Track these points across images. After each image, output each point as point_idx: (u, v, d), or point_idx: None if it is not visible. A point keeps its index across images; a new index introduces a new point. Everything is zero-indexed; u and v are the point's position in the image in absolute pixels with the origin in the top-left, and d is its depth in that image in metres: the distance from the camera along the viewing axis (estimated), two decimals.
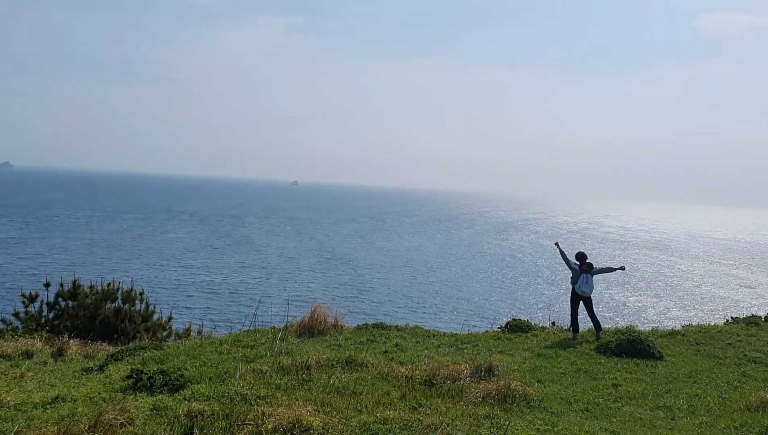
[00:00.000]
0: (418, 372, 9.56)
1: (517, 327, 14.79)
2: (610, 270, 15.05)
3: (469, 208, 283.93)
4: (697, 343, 13.98)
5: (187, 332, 18.20)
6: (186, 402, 7.75)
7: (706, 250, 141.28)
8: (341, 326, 13.72)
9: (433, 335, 13.76)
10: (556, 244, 15.37)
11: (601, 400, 9.24)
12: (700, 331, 15.27)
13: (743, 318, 17.60)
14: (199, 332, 17.96)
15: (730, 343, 14.04)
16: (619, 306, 63.05)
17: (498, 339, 13.74)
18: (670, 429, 8.01)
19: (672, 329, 15.66)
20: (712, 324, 17.24)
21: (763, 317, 17.86)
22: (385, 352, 11.66)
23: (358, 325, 14.23)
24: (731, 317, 18.26)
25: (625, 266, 16.04)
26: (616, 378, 10.61)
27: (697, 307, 67.20)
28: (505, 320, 16.12)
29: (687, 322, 18.58)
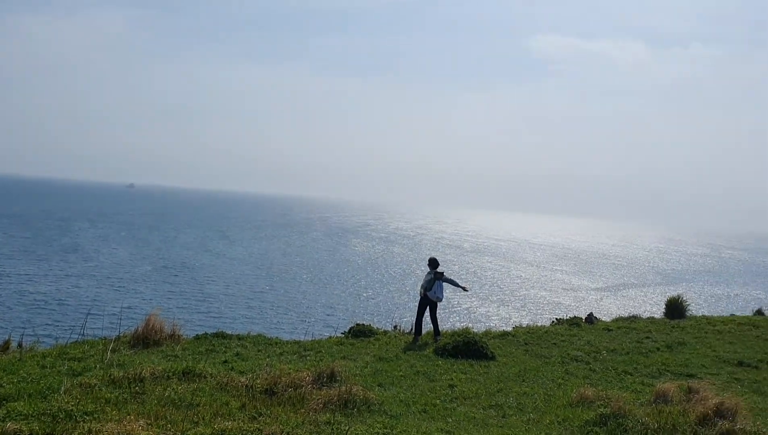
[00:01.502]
0: (259, 381, 9.36)
1: (360, 332, 14.94)
2: (455, 284, 15.39)
3: (312, 213, 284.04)
4: (526, 344, 14.85)
5: (6, 345, 16.61)
6: (0, 422, 7.06)
7: (535, 255, 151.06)
8: (179, 336, 13.15)
9: (276, 343, 13.56)
10: (464, 288, 15.71)
11: (438, 401, 9.54)
12: (528, 332, 16.25)
13: (566, 319, 18.93)
14: (20, 345, 16.48)
15: (555, 343, 15.05)
16: (458, 308, 65.80)
17: (341, 344, 13.80)
18: (500, 427, 8.42)
19: (504, 330, 16.56)
20: (540, 325, 18.41)
21: (583, 319, 19.29)
22: (225, 361, 11.32)
23: (196, 335, 13.72)
24: (556, 319, 19.57)
25: (468, 289, 16.51)
26: (452, 379, 11.02)
27: (527, 309, 71.62)
28: (348, 326, 16.24)
29: (517, 324, 19.70)
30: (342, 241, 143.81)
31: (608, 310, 68.39)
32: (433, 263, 15.16)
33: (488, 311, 68.35)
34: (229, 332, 14.24)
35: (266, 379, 9.45)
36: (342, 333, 15.45)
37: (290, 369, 10.30)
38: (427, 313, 15.03)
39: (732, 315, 23.25)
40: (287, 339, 14.61)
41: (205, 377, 9.55)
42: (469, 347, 12.98)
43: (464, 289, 15.57)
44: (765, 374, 13.16)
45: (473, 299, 74.83)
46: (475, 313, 66.17)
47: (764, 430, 8.52)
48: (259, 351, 12.59)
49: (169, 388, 8.77)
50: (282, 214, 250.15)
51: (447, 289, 15.81)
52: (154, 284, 66.31)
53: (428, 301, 14.85)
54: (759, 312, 23.11)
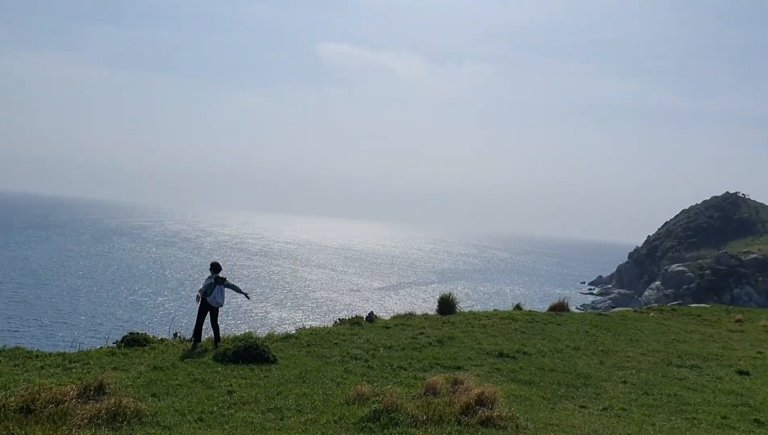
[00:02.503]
0: (13, 399, 8.48)
1: (134, 341, 14.12)
2: (238, 290, 15.10)
3: (80, 214, 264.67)
4: (308, 345, 15.00)
5: None
6: None
7: (325, 258, 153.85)
8: None
9: (36, 356, 12.40)
10: (247, 295, 15.26)
11: (215, 408, 9.32)
12: (311, 333, 16.42)
13: (348, 319, 19.40)
14: None
15: (336, 343, 15.36)
16: (243, 313, 64.86)
17: (113, 355, 12.96)
18: (278, 429, 8.42)
19: (287, 333, 16.58)
20: (323, 326, 18.68)
21: (364, 318, 19.89)
22: None
23: None
24: (339, 319, 19.99)
25: (251, 296, 16.32)
26: (231, 385, 10.81)
27: (316, 311, 72.66)
28: (121, 334, 15.30)
29: (303, 326, 19.83)
30: (116, 244, 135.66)
31: (391, 307, 71.62)
32: (215, 268, 14.80)
33: (280, 315, 68.35)
34: None
35: (22, 396, 8.60)
36: (114, 343, 14.51)
37: (52, 383, 9.47)
38: (208, 319, 14.62)
39: (495, 310, 25.24)
40: (51, 351, 13.41)
41: None
42: (250, 352, 12.83)
43: (246, 295, 15.38)
44: (521, 364, 14.50)
45: (264, 303, 74.36)
46: (265, 317, 65.83)
47: (518, 415, 9.41)
48: (15, 366, 11.44)
49: None
50: (44, 215, 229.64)
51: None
52: None
53: (208, 307, 14.47)
54: (518, 307, 25.33)
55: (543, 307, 27.92)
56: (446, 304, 22.80)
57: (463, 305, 29.06)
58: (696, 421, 10.54)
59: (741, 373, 14.87)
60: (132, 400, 8.72)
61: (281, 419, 8.99)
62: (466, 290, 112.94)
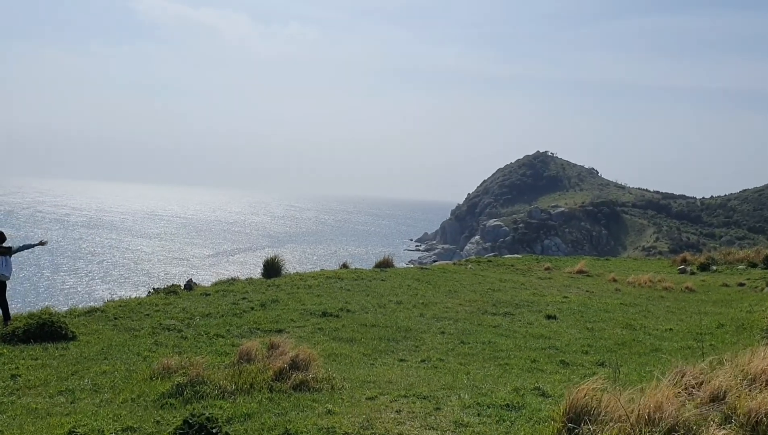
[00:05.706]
0: None
1: None
2: (30, 247, 13.96)
3: None
4: (115, 318, 13.84)
5: None
6: None
7: (149, 226, 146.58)
8: None
9: None
10: (41, 242, 13.85)
11: None
12: (120, 306, 15.18)
13: (163, 288, 18.18)
14: None
15: (147, 314, 14.30)
16: (55, 290, 60.17)
17: None
18: (65, 414, 7.47)
19: (92, 307, 15.23)
20: (135, 297, 17.37)
21: (182, 286, 18.79)
22: None
23: None
24: (153, 288, 18.73)
25: (47, 241, 15.05)
26: (18, 367, 9.63)
27: (134, 282, 68.95)
28: None
29: (112, 298, 18.39)
30: None
31: (222, 275, 69.68)
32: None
33: (77, 287, 63.98)
34: None
35: None
36: None
37: None
38: None
39: (322, 270, 25.01)
40: None
41: None
42: (43, 329, 11.54)
43: (41, 243, 14.39)
44: (344, 322, 14.31)
45: (83, 278, 69.34)
46: (84, 293, 61.41)
47: (334, 375, 9.09)
48: None
49: None
50: None
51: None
52: None
53: None
54: (344, 265, 25.32)
55: (372, 265, 28.09)
56: (272, 267, 22.19)
57: (295, 268, 28.60)
58: (508, 367, 10.78)
59: (549, 317, 15.69)
60: None
61: (72, 402, 8.04)
62: (299, 252, 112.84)
